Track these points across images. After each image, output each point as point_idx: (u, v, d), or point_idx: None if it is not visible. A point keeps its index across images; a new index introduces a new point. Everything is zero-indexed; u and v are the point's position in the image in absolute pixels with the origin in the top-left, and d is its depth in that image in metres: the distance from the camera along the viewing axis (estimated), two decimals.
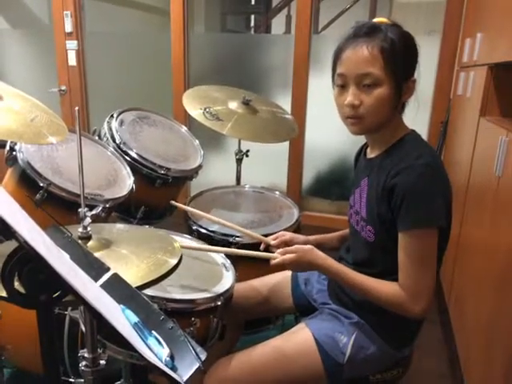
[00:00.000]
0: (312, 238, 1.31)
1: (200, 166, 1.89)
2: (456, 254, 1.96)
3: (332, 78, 1.07)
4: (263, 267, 1.44)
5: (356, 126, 1.04)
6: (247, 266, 1.46)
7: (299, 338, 1.15)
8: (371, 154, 1.14)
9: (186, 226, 1.64)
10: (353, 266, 1.11)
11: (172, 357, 0.64)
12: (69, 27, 3.20)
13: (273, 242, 1.26)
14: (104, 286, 0.74)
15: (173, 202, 1.56)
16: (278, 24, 3.69)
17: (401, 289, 1.01)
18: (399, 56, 0.98)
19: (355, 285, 1.06)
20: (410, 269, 1.00)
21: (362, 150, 1.22)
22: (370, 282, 1.05)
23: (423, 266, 0.99)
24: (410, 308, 1.00)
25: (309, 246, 1.12)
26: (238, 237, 1.50)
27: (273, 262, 1.14)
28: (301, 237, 1.29)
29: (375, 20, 1.03)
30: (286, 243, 1.25)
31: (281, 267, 1.16)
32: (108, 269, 0.79)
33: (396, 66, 0.98)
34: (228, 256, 1.38)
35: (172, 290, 1.16)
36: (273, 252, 1.17)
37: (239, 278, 1.32)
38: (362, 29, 1.00)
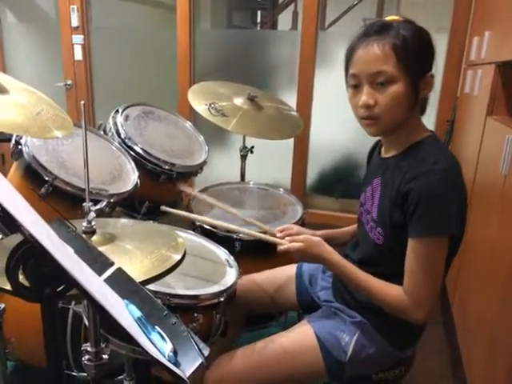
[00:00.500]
0: (319, 232, 1.29)
1: (205, 162, 1.89)
2: (461, 253, 1.94)
3: (345, 79, 1.05)
4: (267, 263, 1.45)
5: (372, 126, 1.01)
6: (250, 262, 1.46)
7: (301, 335, 1.15)
8: (386, 153, 1.12)
9: (190, 221, 1.64)
10: (358, 265, 1.10)
11: (175, 352, 0.64)
12: (75, 22, 3.20)
13: (279, 235, 1.23)
14: (108, 281, 0.74)
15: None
16: (284, 20, 3.66)
17: (405, 294, 1.00)
18: (412, 52, 0.95)
19: (360, 283, 1.05)
20: (416, 276, 0.99)
21: (377, 148, 1.19)
22: (374, 282, 1.04)
23: (429, 275, 0.98)
24: (411, 314, 1.00)
25: (317, 238, 1.11)
26: (240, 233, 1.50)
27: (280, 247, 1.13)
28: (308, 231, 1.27)
29: (387, 18, 1.01)
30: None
31: (286, 260, 1.15)
32: (112, 263, 0.80)
33: (410, 62, 0.95)
34: (231, 252, 1.38)
35: (175, 286, 1.16)
36: (277, 251, 1.17)
37: (242, 275, 1.32)
38: (373, 27, 0.98)
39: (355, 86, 1.01)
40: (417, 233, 0.97)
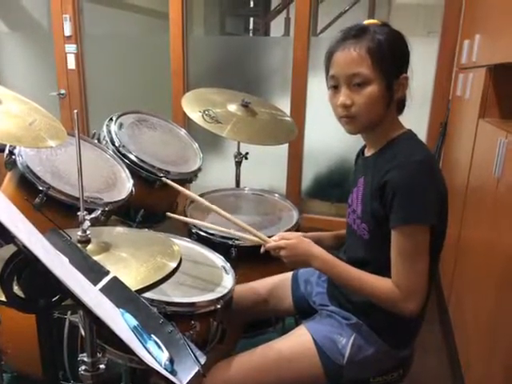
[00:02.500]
0: (309, 234, 1.30)
1: (199, 169, 1.89)
2: (456, 254, 1.96)
3: (326, 80, 1.10)
4: (263, 270, 1.45)
5: (350, 124, 1.06)
6: (247, 268, 1.46)
7: (298, 340, 1.15)
8: (368, 153, 1.16)
9: (186, 228, 1.64)
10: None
11: (171, 360, 0.64)
12: (68, 31, 3.20)
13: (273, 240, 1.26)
14: (103, 290, 0.74)
15: (169, 214, 1.46)
16: (276, 26, 3.69)
17: (394, 286, 1.01)
18: (387, 54, 1.00)
19: (350, 279, 1.07)
20: (401, 266, 1.01)
21: (362, 150, 1.23)
22: (364, 276, 1.06)
23: (415, 264, 1.00)
24: (403, 306, 1.01)
25: (307, 239, 1.14)
26: (237, 239, 1.50)
27: (267, 245, 1.16)
28: (298, 234, 1.29)
29: (365, 22, 1.06)
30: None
31: (282, 267, 1.16)
32: (107, 272, 0.79)
33: (384, 65, 1.00)
34: (228, 259, 1.38)
35: (172, 293, 1.16)
36: (272, 255, 1.17)
37: (239, 281, 1.32)
38: (351, 31, 1.03)
39: (334, 87, 1.06)
40: (395, 222, 1.00)
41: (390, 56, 1.01)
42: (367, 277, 1.05)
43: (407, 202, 0.98)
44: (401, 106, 1.11)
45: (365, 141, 1.17)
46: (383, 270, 1.04)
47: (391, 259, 1.02)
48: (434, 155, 1.06)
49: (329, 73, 1.07)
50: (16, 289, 0.63)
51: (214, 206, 1.40)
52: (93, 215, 1.07)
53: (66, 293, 0.61)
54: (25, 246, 0.57)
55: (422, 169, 0.98)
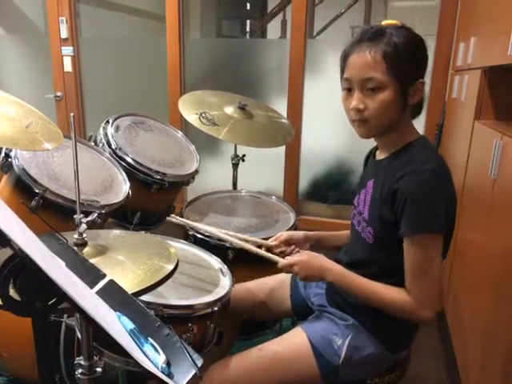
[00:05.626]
0: (311, 233, 1.31)
1: (196, 171, 1.89)
2: (452, 257, 1.96)
3: (340, 81, 1.08)
4: (260, 271, 1.44)
5: (362, 128, 1.05)
6: (244, 270, 1.46)
7: (294, 341, 1.15)
8: (380, 156, 1.15)
9: (183, 231, 1.63)
10: (347, 266, 1.11)
11: (168, 363, 0.64)
12: (64, 33, 3.20)
13: (273, 244, 1.26)
14: (100, 293, 0.74)
15: (169, 219, 1.41)
16: (273, 29, 3.69)
17: (408, 295, 1.01)
18: (403, 60, 0.98)
19: (363, 290, 1.06)
20: (415, 275, 1.00)
21: (372, 152, 1.22)
22: (376, 286, 1.05)
23: (427, 273, 0.99)
24: (420, 314, 1.00)
25: (319, 254, 1.14)
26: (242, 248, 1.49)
27: (280, 264, 1.15)
28: (300, 232, 1.30)
29: (383, 23, 1.03)
30: (286, 241, 1.26)
31: (278, 270, 1.16)
32: (104, 275, 0.79)
33: (400, 70, 0.98)
34: (224, 260, 1.38)
35: (169, 296, 1.15)
36: (274, 254, 1.18)
37: (236, 283, 1.32)
38: (367, 33, 1.00)
39: (348, 90, 1.04)
40: (407, 230, 0.99)
41: (407, 61, 0.98)
42: (380, 288, 1.04)
43: (419, 210, 0.97)
44: (417, 110, 1.09)
45: (377, 144, 1.16)
46: (384, 272, 1.05)
47: (405, 268, 1.02)
48: (446, 164, 1.06)
49: (343, 74, 1.05)
50: (12, 292, 0.63)
51: (222, 231, 1.34)
52: (89, 218, 1.06)
53: (63, 296, 0.61)
54: (21, 250, 0.57)
55: (435, 177, 0.97)
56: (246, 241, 1.32)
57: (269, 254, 1.22)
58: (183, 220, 1.42)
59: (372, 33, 1.00)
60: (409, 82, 1.01)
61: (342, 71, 1.06)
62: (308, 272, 1.12)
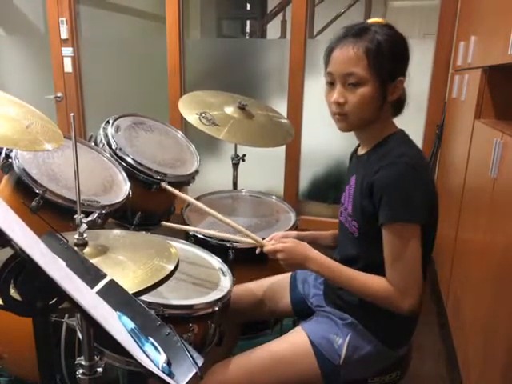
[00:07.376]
0: (305, 233, 1.32)
1: (196, 171, 1.89)
2: (453, 256, 1.96)
3: (324, 75, 1.10)
4: (260, 271, 1.45)
5: (341, 122, 1.08)
6: (244, 270, 1.46)
7: (295, 341, 1.15)
8: (361, 151, 1.17)
9: (183, 231, 1.63)
10: (339, 263, 1.11)
11: (169, 363, 0.64)
12: (64, 34, 3.21)
13: (269, 243, 1.26)
14: (100, 293, 0.74)
15: (163, 223, 1.42)
16: (273, 29, 3.70)
17: (389, 284, 1.02)
18: (385, 57, 1.00)
19: (345, 280, 1.07)
20: (393, 264, 1.01)
21: (355, 149, 1.24)
22: (360, 276, 1.06)
23: (406, 261, 1.00)
24: (399, 304, 1.01)
25: (303, 242, 1.15)
26: (235, 242, 1.50)
27: (265, 248, 1.16)
28: (293, 232, 1.32)
29: (369, 20, 1.06)
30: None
31: (279, 268, 1.16)
32: (104, 275, 0.79)
33: (381, 67, 1.00)
34: (225, 261, 1.38)
35: (169, 296, 1.15)
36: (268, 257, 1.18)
37: (236, 283, 1.32)
38: (352, 30, 1.03)
39: (331, 84, 1.07)
40: (384, 220, 1.01)
41: (388, 58, 1.01)
42: (362, 277, 1.06)
43: (395, 200, 0.99)
44: (398, 108, 1.11)
45: (358, 139, 1.18)
46: (374, 266, 1.05)
47: (384, 258, 1.03)
48: (423, 155, 1.07)
49: (327, 68, 1.08)
50: (13, 292, 0.63)
51: (210, 210, 1.40)
52: (90, 218, 1.06)
53: (63, 296, 0.61)
54: (22, 250, 0.57)
55: (410, 169, 0.99)
56: (239, 231, 1.32)
57: (254, 236, 1.23)
58: (175, 225, 1.43)
59: (357, 29, 1.03)
60: (389, 79, 1.03)
61: (326, 65, 1.08)
62: (292, 260, 1.12)
